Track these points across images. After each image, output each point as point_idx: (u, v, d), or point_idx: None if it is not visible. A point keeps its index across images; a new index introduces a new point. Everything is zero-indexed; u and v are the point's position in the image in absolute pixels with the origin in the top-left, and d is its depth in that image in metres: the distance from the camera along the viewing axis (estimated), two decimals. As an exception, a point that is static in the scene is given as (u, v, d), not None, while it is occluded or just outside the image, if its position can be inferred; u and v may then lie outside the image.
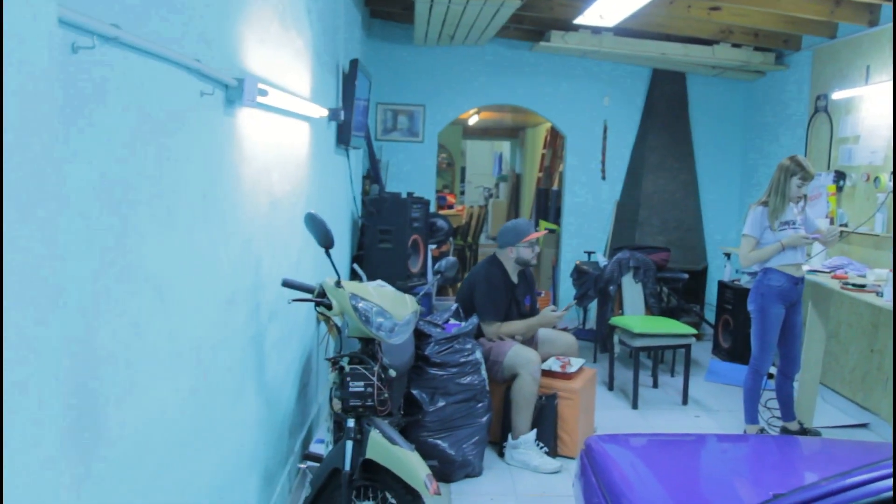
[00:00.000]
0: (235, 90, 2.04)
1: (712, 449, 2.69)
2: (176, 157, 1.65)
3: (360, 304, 2.51)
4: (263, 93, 2.21)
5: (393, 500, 2.40)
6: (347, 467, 2.31)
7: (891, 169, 4.71)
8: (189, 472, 1.80)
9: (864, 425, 4.75)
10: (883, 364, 4.73)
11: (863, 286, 4.26)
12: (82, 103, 1.22)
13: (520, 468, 3.83)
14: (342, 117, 4.29)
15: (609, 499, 2.18)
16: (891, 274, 4.00)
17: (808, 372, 4.58)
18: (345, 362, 2.51)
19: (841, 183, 5.28)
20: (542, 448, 3.88)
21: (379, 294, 2.69)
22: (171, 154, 1.63)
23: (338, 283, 2.53)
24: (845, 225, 5.15)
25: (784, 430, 4.41)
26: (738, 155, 7.18)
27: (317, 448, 3.11)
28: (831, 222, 5.13)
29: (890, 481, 1.30)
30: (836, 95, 5.33)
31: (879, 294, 4.06)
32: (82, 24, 1.16)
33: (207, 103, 1.86)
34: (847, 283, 4.34)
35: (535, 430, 3.87)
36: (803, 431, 4.40)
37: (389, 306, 2.62)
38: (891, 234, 4.70)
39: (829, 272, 4.65)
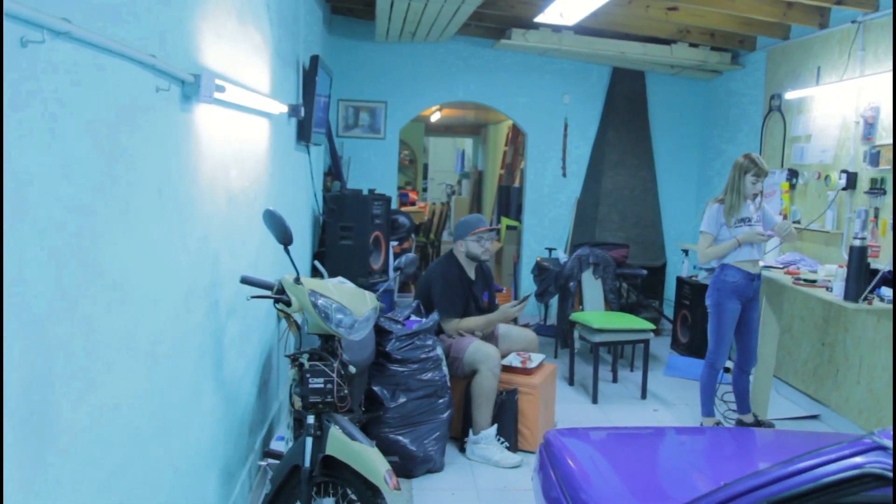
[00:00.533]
0: (192, 86, 2.02)
1: (669, 441, 2.74)
2: (131, 153, 1.64)
3: (320, 301, 2.50)
4: (221, 88, 2.19)
5: (353, 497, 2.41)
6: (307, 464, 2.31)
7: (840, 168, 4.84)
8: (146, 470, 1.78)
9: (815, 416, 4.88)
10: (833, 357, 4.86)
11: (814, 281, 4.38)
12: (31, 99, 1.20)
13: (481, 463, 3.86)
14: (302, 114, 4.26)
15: (566, 492, 2.21)
16: (841, 270, 4.12)
17: (762, 366, 4.69)
18: (304, 359, 2.50)
19: (794, 181, 5.42)
20: (502, 443, 3.91)
21: (338, 291, 2.68)
22: (127, 150, 1.61)
23: (297, 280, 2.52)
24: (798, 222, 5.28)
25: (739, 423, 4.50)
26: (696, 153, 7.31)
27: (277, 445, 3.09)
28: (784, 219, 5.25)
29: (832, 466, 1.36)
30: (789, 95, 5.45)
31: (829, 289, 4.17)
32: (31, 17, 1.15)
33: (163, 99, 1.84)
34: (799, 279, 4.45)
35: (496, 426, 3.90)
36: (758, 423, 4.50)
37: (349, 303, 2.62)
38: (841, 231, 4.83)
39: (782, 268, 4.77)
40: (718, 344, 4.33)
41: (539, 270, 6.27)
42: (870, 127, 4.62)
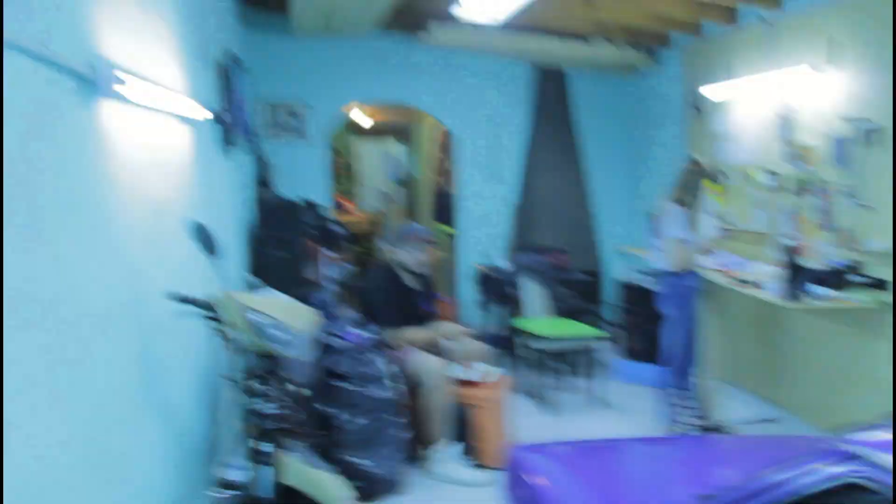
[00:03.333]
0: (91, 79, 1.83)
1: (639, 452, 2.69)
2: (26, 157, 1.44)
3: (252, 317, 2.35)
4: (121, 81, 1.99)
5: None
6: (266, 494, 2.16)
7: (765, 166, 4.92)
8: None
9: (772, 420, 4.89)
10: (776, 357, 4.93)
11: (747, 281, 4.43)
12: None
13: (444, 481, 3.74)
14: (227, 118, 4.08)
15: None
16: (774, 269, 4.17)
17: (708, 369, 4.69)
18: (254, 382, 2.35)
19: (723, 181, 5.49)
20: (470, 460, 3.81)
21: (273, 305, 2.54)
22: (19, 156, 1.41)
23: (227, 295, 2.36)
24: (729, 223, 5.35)
25: (703, 429, 4.47)
26: (624, 153, 7.24)
27: (233, 474, 2.90)
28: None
29: (810, 478, 1.31)
30: (705, 92, 5.52)
31: (762, 288, 4.23)
32: None
33: (60, 95, 1.65)
34: (734, 279, 4.50)
35: (459, 445, 3.80)
36: (719, 429, 4.49)
37: (285, 318, 2.47)
38: (770, 231, 4.91)
39: (718, 270, 4.80)
40: (690, 351, 4.32)
41: (482, 278, 6.19)
42: (787, 126, 4.71)
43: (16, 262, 1.32)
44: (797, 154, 4.63)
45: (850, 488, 1.27)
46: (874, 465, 1.23)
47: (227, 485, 2.75)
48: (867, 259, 4.11)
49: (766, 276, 4.33)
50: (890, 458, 1.22)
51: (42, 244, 1.47)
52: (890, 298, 3.95)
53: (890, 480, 1.20)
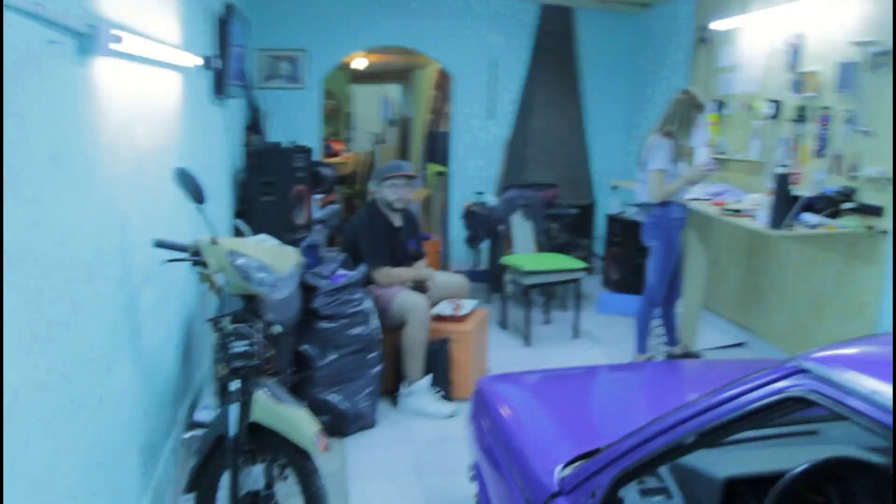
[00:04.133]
0: (88, 37, 1.84)
1: (601, 380, 2.75)
2: (18, 113, 1.47)
3: (239, 261, 2.40)
4: (119, 39, 2.00)
5: (282, 462, 2.35)
6: (233, 432, 2.22)
7: (766, 97, 4.88)
8: (55, 453, 1.67)
9: (741, 344, 5.03)
10: (759, 284, 5.00)
11: (739, 211, 4.45)
12: None
13: (415, 415, 3.84)
14: (218, 65, 4.05)
15: (501, 438, 2.20)
16: (765, 198, 4.18)
17: (692, 298, 4.77)
18: (226, 322, 2.40)
19: (720, 111, 5.46)
20: (438, 392, 3.90)
21: (259, 248, 2.59)
22: (11, 111, 1.44)
23: (214, 240, 2.40)
24: (723, 153, 5.34)
25: (670, 356, 4.60)
26: (625, 89, 7.25)
27: (202, 415, 2.98)
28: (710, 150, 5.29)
29: (757, 393, 1.37)
30: (715, 26, 5.45)
31: (754, 218, 4.25)
32: None
33: (56, 53, 1.67)
34: (726, 209, 4.52)
35: (429, 376, 3.88)
36: (687, 355, 4.61)
37: (270, 260, 2.53)
38: (766, 160, 4.90)
39: (708, 199, 4.82)
40: (662, 280, 4.38)
41: (469, 215, 6.23)
42: (795, 54, 4.66)
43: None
44: (799, 82, 4.59)
45: (797, 401, 1.31)
46: (822, 378, 1.28)
47: (195, 424, 2.83)
48: (861, 186, 4.11)
49: (757, 205, 4.34)
50: (843, 371, 1.26)
51: (22, 200, 1.50)
52: (880, 224, 3.98)
53: (838, 394, 1.24)
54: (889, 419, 1.13)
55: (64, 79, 1.77)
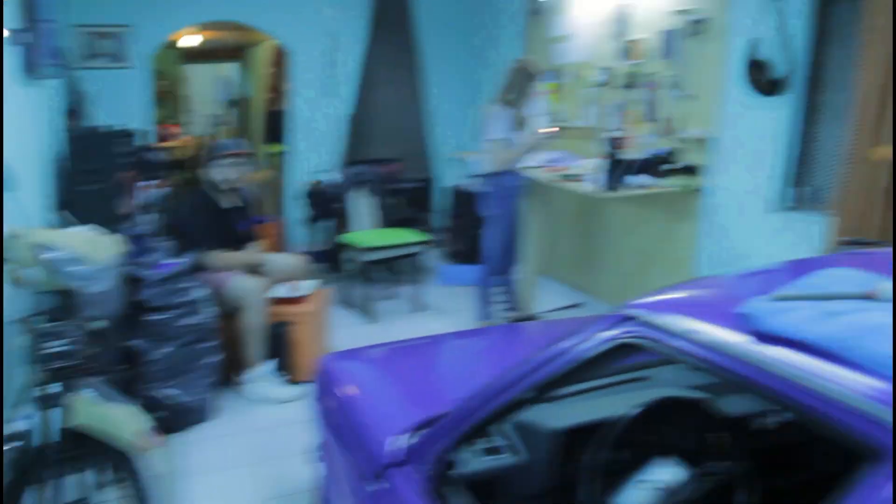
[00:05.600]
0: None
1: (445, 347, 2.76)
2: None
3: (46, 255, 2.18)
4: None
5: (108, 464, 2.18)
6: (53, 439, 2.03)
7: (600, 64, 5.07)
8: None
9: (578, 305, 5.23)
10: (592, 247, 5.23)
11: (571, 176, 4.61)
12: None
13: (259, 402, 3.72)
14: (28, 40, 3.64)
15: (346, 415, 2.15)
16: (597, 163, 4.35)
17: (529, 264, 4.90)
18: (40, 321, 2.18)
19: (557, 80, 5.62)
20: (284, 376, 3.79)
21: (73, 239, 2.37)
22: None
23: (15, 233, 2.17)
24: (563, 121, 5.50)
25: (514, 321, 4.70)
26: (464, 60, 7.21)
27: (16, 425, 2.71)
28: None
29: (587, 343, 1.40)
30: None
31: (586, 182, 4.42)
32: None
33: None
34: (560, 175, 4.66)
35: (273, 361, 3.77)
36: (526, 318, 4.72)
37: (86, 251, 2.32)
38: (599, 126, 5.10)
39: (545, 167, 4.94)
40: (500, 249, 4.46)
41: (312, 194, 6.08)
42: (622, 23, 4.86)
43: None
44: (629, 49, 4.79)
45: (626, 348, 1.36)
46: (646, 323, 1.32)
47: (10, 437, 2.58)
48: (684, 147, 4.37)
49: (589, 169, 4.50)
50: (664, 316, 1.30)
51: None
52: (695, 182, 4.25)
53: (662, 336, 1.28)
54: (707, 353, 1.19)
55: None
